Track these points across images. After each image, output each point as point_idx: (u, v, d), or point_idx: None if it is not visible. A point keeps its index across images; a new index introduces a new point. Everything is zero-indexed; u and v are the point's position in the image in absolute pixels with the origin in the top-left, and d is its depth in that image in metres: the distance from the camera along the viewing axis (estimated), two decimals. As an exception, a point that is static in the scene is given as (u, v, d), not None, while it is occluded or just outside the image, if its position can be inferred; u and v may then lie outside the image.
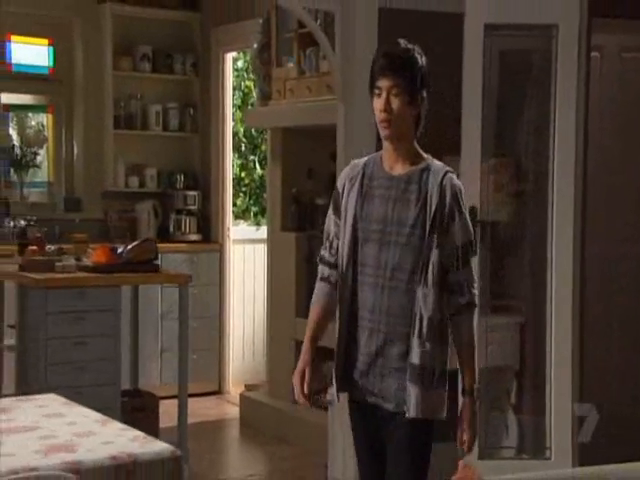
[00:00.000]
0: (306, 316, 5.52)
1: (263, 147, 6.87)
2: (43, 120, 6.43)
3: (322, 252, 2.61)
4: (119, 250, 4.32)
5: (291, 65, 5.26)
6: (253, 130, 6.92)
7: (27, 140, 6.25)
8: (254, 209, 7.00)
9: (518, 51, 4.18)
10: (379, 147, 4.19)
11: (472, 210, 3.89)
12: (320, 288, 2.58)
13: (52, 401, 2.54)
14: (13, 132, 6.25)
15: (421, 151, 2.56)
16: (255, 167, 7.02)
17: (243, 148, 7.04)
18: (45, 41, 6.32)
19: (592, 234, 4.05)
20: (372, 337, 2.46)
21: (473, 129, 3.85)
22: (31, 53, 6.25)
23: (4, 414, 2.37)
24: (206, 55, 6.52)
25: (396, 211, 2.47)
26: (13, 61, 6.13)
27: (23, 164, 6.15)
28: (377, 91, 2.48)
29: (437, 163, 2.56)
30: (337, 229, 2.56)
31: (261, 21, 5.44)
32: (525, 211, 4.16)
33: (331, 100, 4.87)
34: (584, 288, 3.97)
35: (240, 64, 6.99)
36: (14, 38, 6.15)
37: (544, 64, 3.99)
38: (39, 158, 6.29)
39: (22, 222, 5.60)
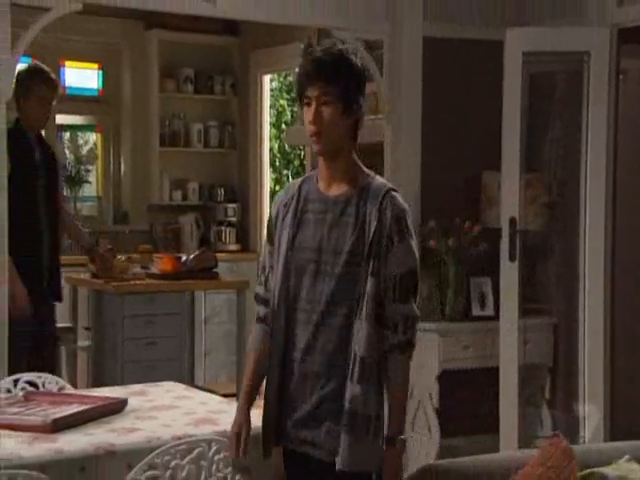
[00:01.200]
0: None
1: (296, 162, 7.09)
2: (93, 139, 6.64)
3: (257, 289, 2.26)
4: (183, 259, 4.53)
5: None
6: (287, 146, 7.13)
7: (79, 158, 6.46)
8: (287, 220, 7.21)
9: (549, 74, 4.39)
10: (425, 165, 4.46)
11: (512, 221, 4.12)
12: (257, 332, 2.24)
13: (175, 387, 2.77)
14: (66, 150, 6.46)
15: (362, 166, 2.18)
16: (289, 181, 7.24)
17: (277, 163, 7.25)
18: (95, 65, 6.54)
19: (621, 240, 4.25)
20: (307, 381, 2.11)
21: (512, 147, 4.07)
22: (82, 76, 6.47)
23: (143, 396, 2.59)
24: (244, 77, 6.74)
25: (332, 238, 2.11)
26: (66, 84, 6.35)
27: (76, 180, 6.36)
28: (306, 100, 2.11)
29: (379, 181, 2.16)
30: (272, 261, 2.20)
31: (302, 46, 5.66)
32: (558, 221, 4.37)
33: (371, 120, 5.10)
34: (614, 291, 4.17)
35: (274, 84, 7.21)
36: (67, 63, 6.37)
37: (575, 86, 4.21)
38: (90, 174, 6.50)
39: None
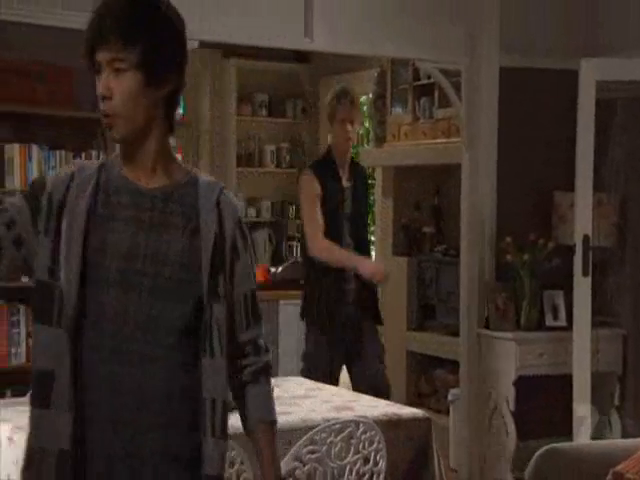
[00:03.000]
0: (416, 329, 6.01)
1: (361, 182, 7.39)
2: (176, 159, 7.01)
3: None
4: (272, 270, 4.85)
5: (399, 112, 5.80)
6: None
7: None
8: (353, 237, 7.50)
9: (612, 100, 4.66)
10: (500, 185, 4.76)
11: (585, 238, 4.38)
12: None
13: (303, 381, 3.08)
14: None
15: (174, 155, 1.67)
16: (354, 199, 7.54)
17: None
18: (176, 91, 6.92)
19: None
20: (116, 433, 1.55)
21: (586, 168, 4.33)
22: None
23: (279, 388, 2.90)
24: (314, 101, 7.08)
25: (152, 242, 1.59)
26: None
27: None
28: (97, 67, 1.56)
29: (204, 175, 1.69)
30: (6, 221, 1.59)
31: (376, 74, 6.00)
32: (627, 238, 4.63)
33: (445, 143, 5.41)
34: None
35: (341, 109, 7.54)
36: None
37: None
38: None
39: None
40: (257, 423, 1.65)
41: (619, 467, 2.09)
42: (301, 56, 7.11)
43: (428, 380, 5.77)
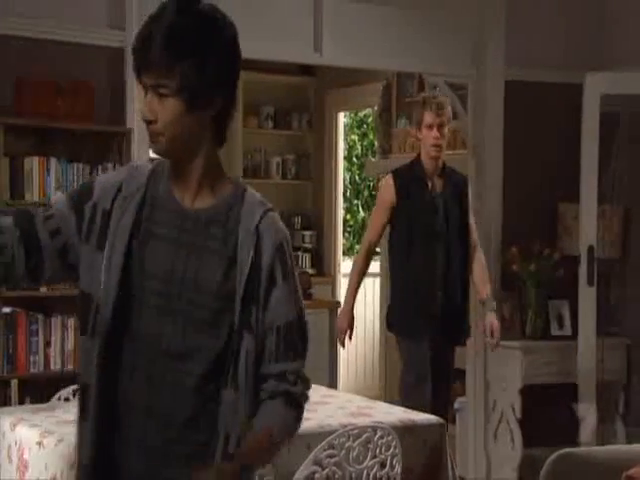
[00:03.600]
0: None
1: (365, 193, 7.49)
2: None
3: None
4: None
5: (402, 124, 5.88)
6: (357, 178, 7.54)
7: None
8: (357, 247, 7.59)
9: (614, 114, 4.74)
10: (506, 196, 4.84)
11: (590, 249, 4.45)
12: None
13: (317, 388, 3.13)
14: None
15: (224, 172, 1.60)
16: (358, 210, 7.63)
17: (348, 194, 7.65)
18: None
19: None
20: (140, 455, 1.52)
21: (590, 181, 4.40)
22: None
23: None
24: (319, 114, 7.15)
25: (190, 267, 1.52)
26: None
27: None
28: (141, 86, 1.54)
29: (251, 193, 1.60)
30: (49, 226, 1.55)
31: (381, 87, 6.08)
32: (630, 248, 4.70)
33: (450, 155, 5.48)
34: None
35: (346, 120, 7.64)
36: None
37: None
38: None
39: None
40: (253, 430, 1.51)
41: (631, 471, 2.15)
42: (307, 69, 7.19)
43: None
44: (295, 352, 1.55)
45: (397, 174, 3.85)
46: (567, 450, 2.34)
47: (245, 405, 1.50)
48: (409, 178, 3.80)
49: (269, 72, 6.94)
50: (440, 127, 3.80)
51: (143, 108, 1.52)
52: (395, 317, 3.93)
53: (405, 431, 2.46)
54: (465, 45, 4.60)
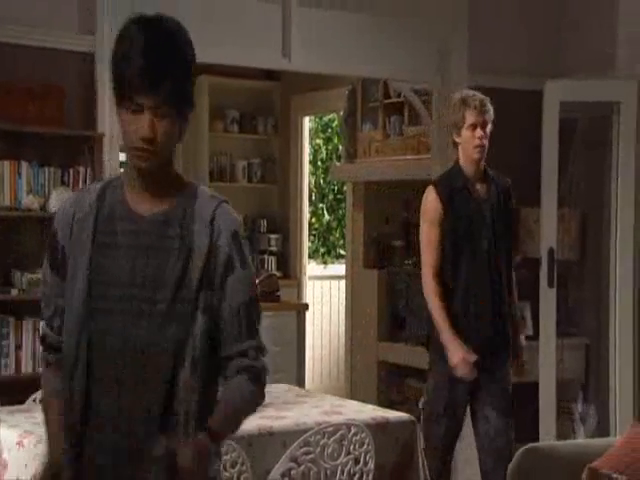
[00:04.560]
0: (387, 340, 6.13)
1: (330, 196, 7.56)
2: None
3: (44, 329, 1.73)
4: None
5: (367, 129, 5.97)
6: (322, 181, 7.61)
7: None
8: (322, 250, 7.66)
9: (573, 120, 4.87)
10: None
11: (550, 251, 4.57)
12: (50, 377, 1.72)
13: (291, 388, 3.20)
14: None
15: (181, 175, 1.69)
16: (324, 213, 7.70)
17: (313, 197, 7.71)
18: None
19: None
20: (116, 457, 1.59)
21: (551, 185, 4.52)
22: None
23: (269, 395, 3.01)
24: (284, 118, 7.21)
25: (150, 268, 1.61)
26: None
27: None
28: (135, 107, 1.57)
29: (204, 191, 1.69)
30: (62, 295, 1.67)
31: (346, 92, 6.16)
32: (588, 251, 4.84)
33: (415, 160, 5.59)
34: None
35: (311, 125, 7.70)
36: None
37: (599, 131, 4.70)
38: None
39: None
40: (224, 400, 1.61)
41: (594, 464, 2.24)
42: (272, 74, 7.24)
43: (399, 389, 5.91)
44: (254, 330, 1.64)
45: (439, 184, 3.46)
46: (533, 445, 2.42)
47: (200, 384, 1.58)
48: (452, 187, 3.42)
49: (235, 76, 6.97)
50: (483, 126, 3.41)
51: (140, 128, 1.56)
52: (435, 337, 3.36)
53: (378, 428, 2.53)
54: (430, 52, 4.70)
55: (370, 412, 2.82)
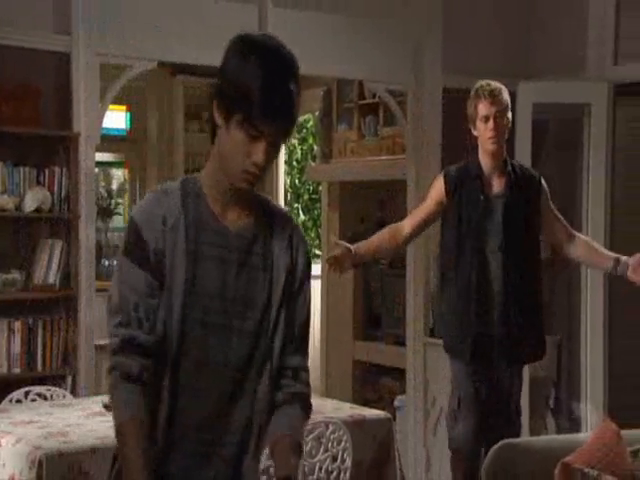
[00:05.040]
0: (363, 339, 6.17)
1: (305, 196, 7.57)
2: (124, 174, 7.08)
3: (128, 330, 1.61)
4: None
5: (343, 129, 5.99)
6: (297, 181, 7.62)
7: (110, 191, 6.89)
8: (297, 250, 7.68)
9: (547, 121, 4.94)
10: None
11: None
12: (131, 395, 1.59)
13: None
14: (100, 185, 6.87)
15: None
16: (299, 213, 7.71)
17: (288, 197, 7.73)
18: (123, 107, 6.99)
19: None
20: (205, 465, 1.63)
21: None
22: (112, 118, 6.90)
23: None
24: (260, 118, 7.22)
25: (240, 284, 1.63)
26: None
27: (107, 212, 6.77)
28: (255, 133, 1.58)
29: (275, 206, 1.74)
30: (153, 296, 1.61)
31: (322, 92, 6.19)
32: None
33: (389, 160, 5.62)
34: (613, 313, 4.69)
35: (285, 125, 7.74)
36: (100, 104, 6.80)
37: (569, 132, 4.78)
38: (120, 207, 6.93)
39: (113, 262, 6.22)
40: (277, 434, 1.64)
41: (567, 459, 2.28)
42: (247, 74, 7.24)
43: (374, 388, 5.95)
44: (306, 347, 1.72)
45: (448, 173, 3.36)
46: (508, 440, 2.46)
47: (270, 396, 1.65)
48: (462, 176, 3.28)
49: (210, 77, 6.93)
50: (496, 117, 3.24)
51: (255, 155, 1.58)
52: (441, 332, 3.53)
53: (355, 426, 2.55)
54: (404, 53, 4.73)
55: (347, 410, 2.85)
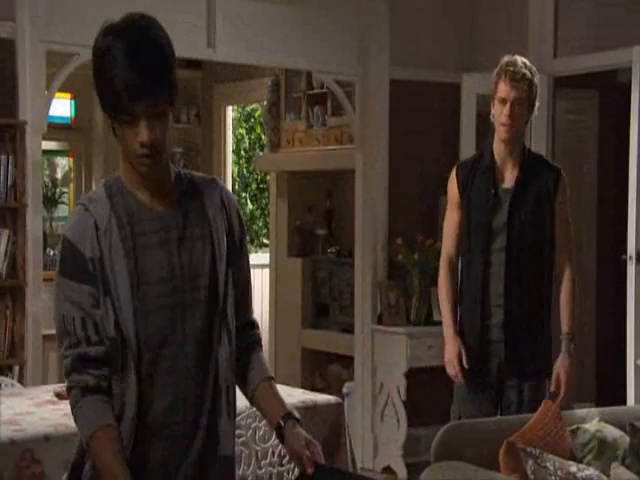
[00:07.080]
0: (311, 327, 6.21)
1: (253, 186, 7.59)
2: (69, 163, 6.98)
3: (80, 349, 1.63)
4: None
5: (291, 119, 6.02)
6: (245, 171, 7.63)
7: (55, 180, 6.80)
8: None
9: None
10: (391, 190, 5.03)
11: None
12: (96, 407, 1.62)
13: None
14: (44, 174, 6.77)
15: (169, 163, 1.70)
16: (247, 203, 7.72)
17: (236, 187, 7.73)
18: (68, 95, 6.89)
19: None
20: (174, 448, 1.65)
21: (469, 175, 4.68)
22: (57, 106, 6.80)
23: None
24: (207, 107, 7.20)
25: (185, 257, 1.66)
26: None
27: (52, 201, 6.68)
28: (128, 118, 1.60)
29: (193, 173, 1.76)
30: (98, 305, 1.63)
31: (270, 82, 6.20)
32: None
33: (337, 150, 5.68)
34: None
35: (234, 114, 7.71)
36: (44, 92, 6.70)
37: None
38: (65, 196, 6.84)
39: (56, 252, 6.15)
40: (262, 381, 1.73)
41: (511, 438, 2.37)
42: (194, 62, 7.20)
43: (322, 375, 6.01)
44: (252, 303, 1.79)
45: (460, 164, 3.09)
46: (456, 422, 2.53)
47: (234, 357, 1.69)
48: (474, 168, 2.97)
49: (156, 65, 6.92)
50: (514, 104, 2.89)
51: (143, 137, 1.58)
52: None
53: (307, 411, 2.60)
54: (352, 44, 4.78)
55: (300, 396, 2.89)
